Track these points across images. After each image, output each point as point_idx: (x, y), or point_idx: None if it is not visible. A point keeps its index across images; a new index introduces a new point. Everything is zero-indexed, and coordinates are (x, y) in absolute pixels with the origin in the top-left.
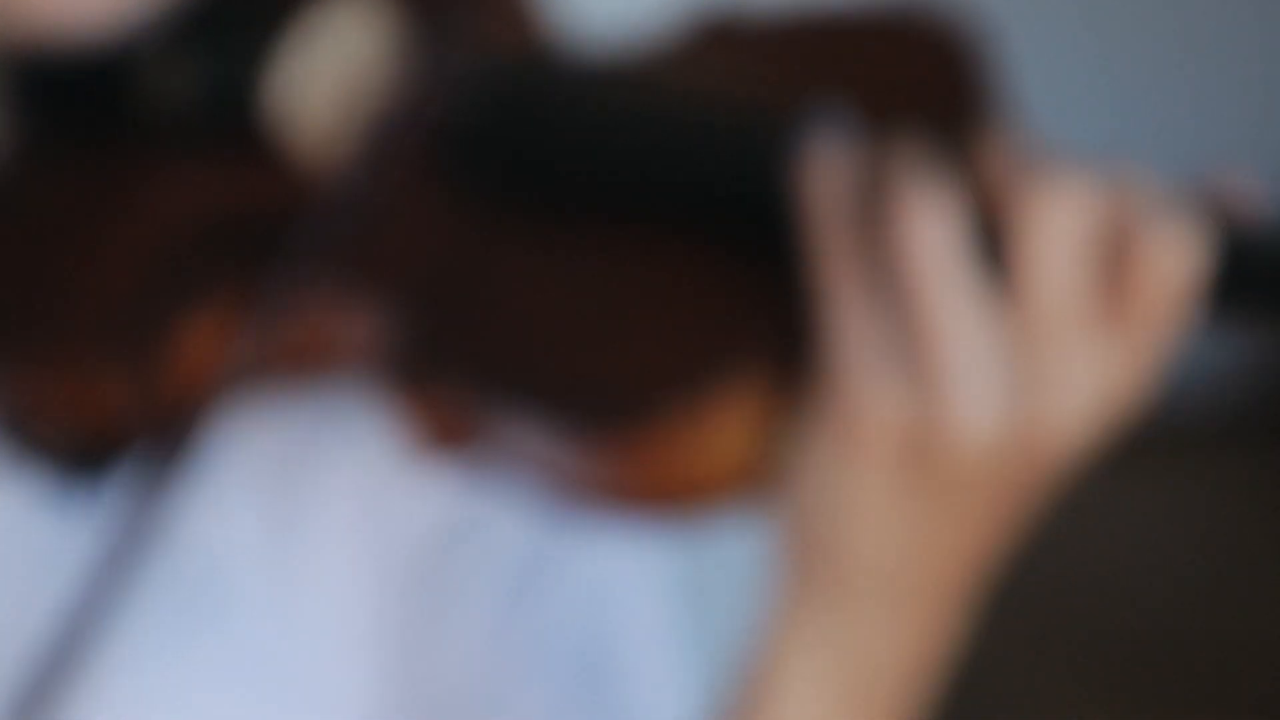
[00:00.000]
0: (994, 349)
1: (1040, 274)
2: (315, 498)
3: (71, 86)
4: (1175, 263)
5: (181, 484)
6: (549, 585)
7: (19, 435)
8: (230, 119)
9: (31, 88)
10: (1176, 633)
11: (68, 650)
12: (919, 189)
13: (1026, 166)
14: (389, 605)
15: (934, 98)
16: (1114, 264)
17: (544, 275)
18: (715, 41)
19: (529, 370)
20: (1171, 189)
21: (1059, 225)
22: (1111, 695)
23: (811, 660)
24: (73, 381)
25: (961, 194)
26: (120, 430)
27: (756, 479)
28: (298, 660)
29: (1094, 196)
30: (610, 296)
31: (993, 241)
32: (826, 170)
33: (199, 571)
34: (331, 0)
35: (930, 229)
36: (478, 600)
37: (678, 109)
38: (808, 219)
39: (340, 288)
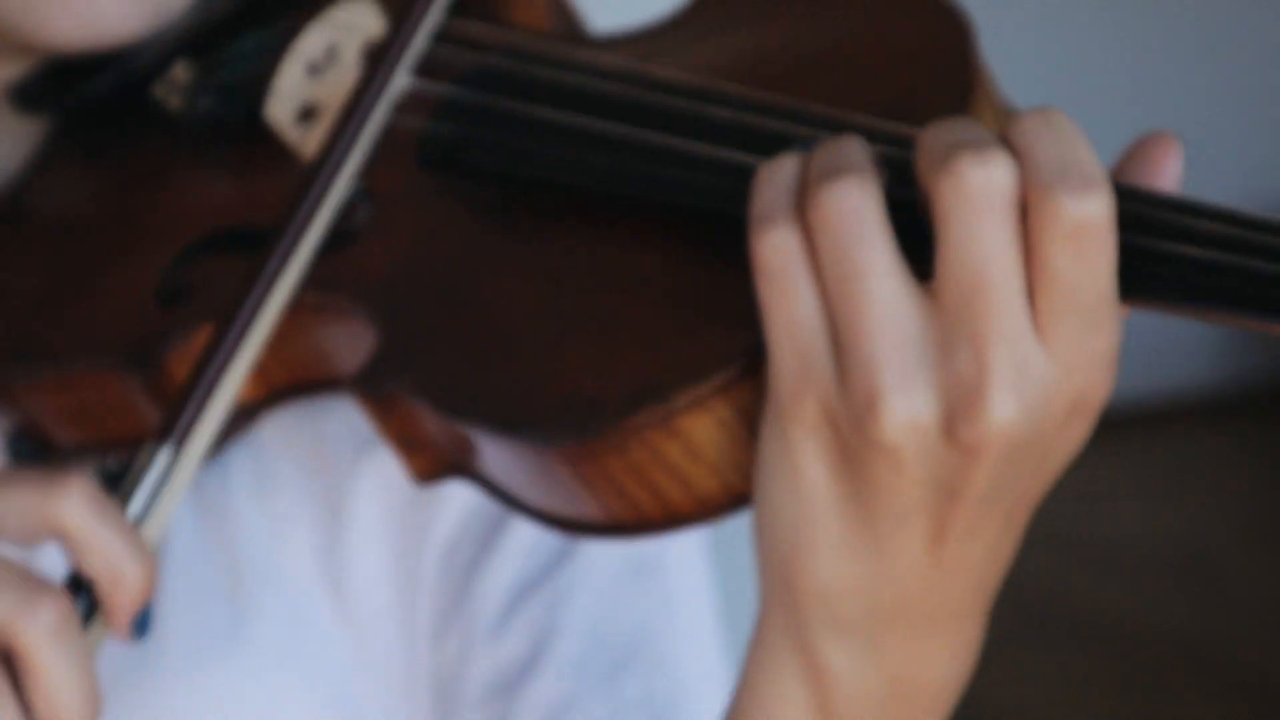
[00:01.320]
0: (918, 323)
1: (959, 246)
2: (352, 503)
3: (92, 90)
4: (1084, 217)
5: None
6: (580, 565)
7: (39, 448)
8: (239, 123)
9: (56, 90)
10: (1170, 613)
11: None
12: (846, 158)
13: (947, 137)
14: (425, 592)
15: (916, 56)
16: (1028, 235)
17: (516, 273)
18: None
19: (495, 378)
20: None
21: (971, 199)
22: (1106, 677)
23: (777, 686)
24: (90, 388)
25: (889, 169)
26: (136, 437)
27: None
28: (348, 651)
29: (1002, 167)
30: (581, 296)
31: (920, 220)
32: (771, 165)
33: (258, 582)
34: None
35: (851, 195)
36: (507, 577)
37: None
38: (751, 199)
39: (323, 293)
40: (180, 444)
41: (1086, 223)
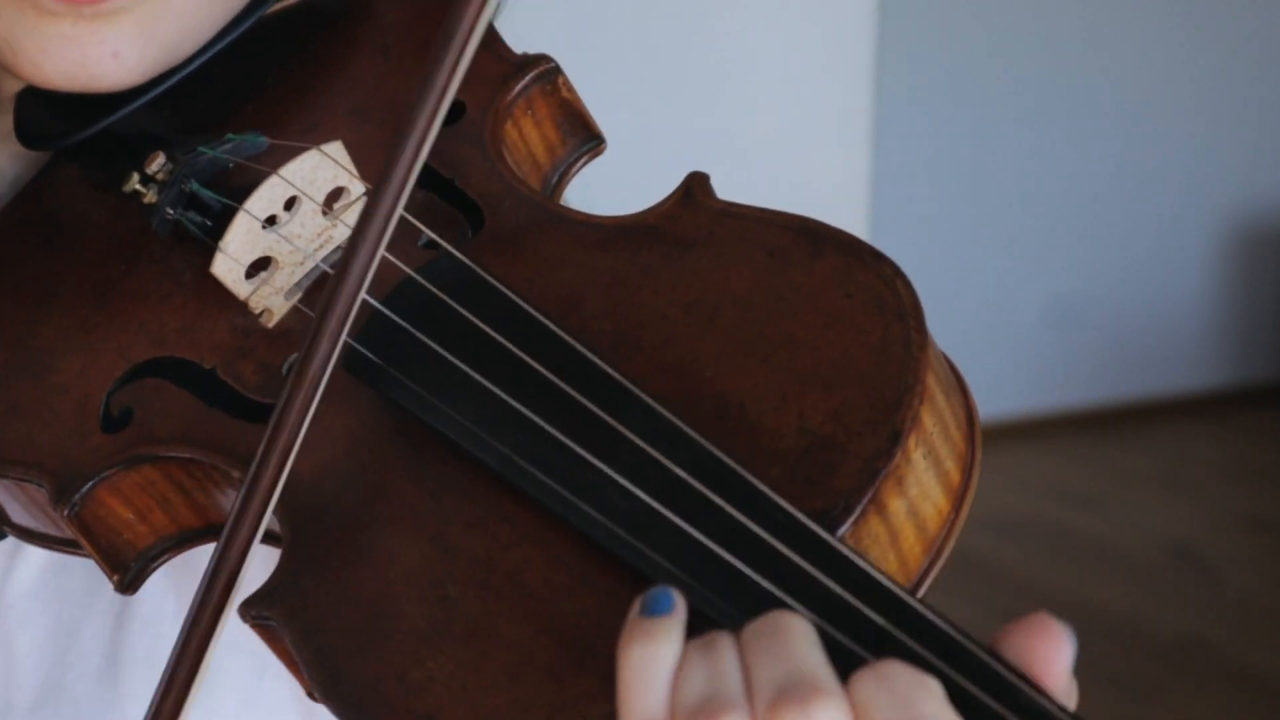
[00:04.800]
0: None
1: None
2: None
3: (80, 143)
4: None
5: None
6: None
7: None
8: (201, 239)
9: (53, 132)
10: (1167, 611)
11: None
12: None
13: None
14: None
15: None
16: None
17: (415, 532)
18: (699, 204)
19: (362, 666)
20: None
21: None
22: (1103, 675)
23: None
24: (35, 494)
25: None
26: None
27: None
28: None
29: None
30: (468, 586)
31: None
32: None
33: None
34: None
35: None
36: None
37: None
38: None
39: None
40: None
41: None
